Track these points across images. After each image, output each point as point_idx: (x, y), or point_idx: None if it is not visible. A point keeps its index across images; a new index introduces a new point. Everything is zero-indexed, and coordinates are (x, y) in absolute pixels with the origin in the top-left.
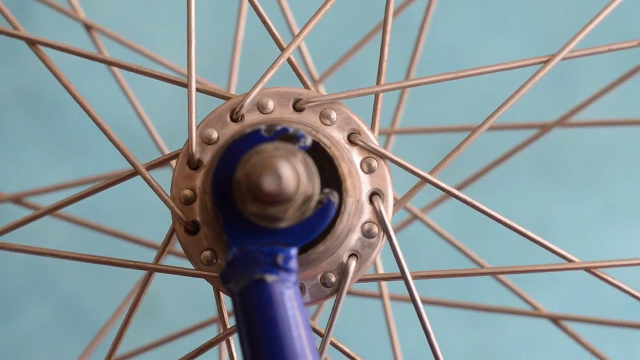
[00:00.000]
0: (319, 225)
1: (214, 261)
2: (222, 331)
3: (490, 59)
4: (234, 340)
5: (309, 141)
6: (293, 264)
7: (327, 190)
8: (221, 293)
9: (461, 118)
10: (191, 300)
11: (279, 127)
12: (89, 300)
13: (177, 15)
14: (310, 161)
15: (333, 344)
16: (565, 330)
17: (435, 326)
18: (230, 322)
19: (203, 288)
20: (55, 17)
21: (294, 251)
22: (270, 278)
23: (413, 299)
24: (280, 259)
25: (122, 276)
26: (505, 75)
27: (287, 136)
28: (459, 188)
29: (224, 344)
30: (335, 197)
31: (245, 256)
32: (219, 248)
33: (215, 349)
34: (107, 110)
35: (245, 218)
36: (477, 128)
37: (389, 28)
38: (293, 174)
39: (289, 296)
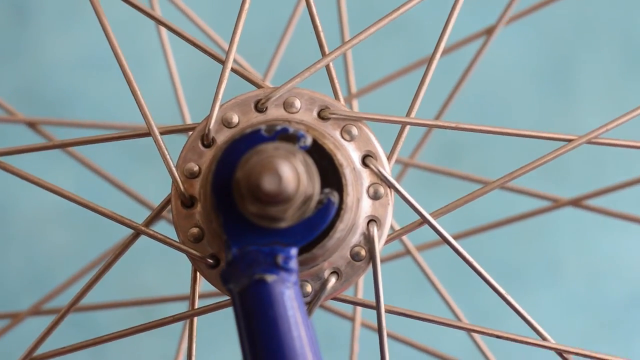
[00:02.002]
0: (319, 225)
1: None
2: None
3: (491, 56)
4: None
5: (309, 141)
6: (293, 263)
7: (327, 190)
8: None
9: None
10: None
11: (279, 127)
12: (89, 300)
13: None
14: (310, 161)
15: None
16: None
17: (435, 326)
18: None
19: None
20: (55, 17)
21: (294, 251)
22: (270, 278)
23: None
24: (280, 259)
25: (121, 277)
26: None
27: (287, 136)
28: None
29: None
30: (335, 197)
31: (245, 256)
32: None
33: None
34: (113, 114)
35: (245, 218)
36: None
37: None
38: (293, 174)
39: (289, 296)
